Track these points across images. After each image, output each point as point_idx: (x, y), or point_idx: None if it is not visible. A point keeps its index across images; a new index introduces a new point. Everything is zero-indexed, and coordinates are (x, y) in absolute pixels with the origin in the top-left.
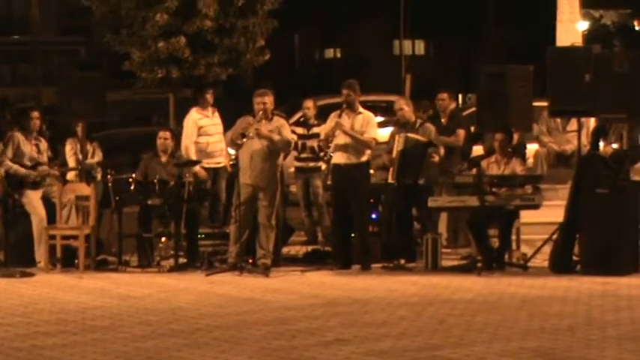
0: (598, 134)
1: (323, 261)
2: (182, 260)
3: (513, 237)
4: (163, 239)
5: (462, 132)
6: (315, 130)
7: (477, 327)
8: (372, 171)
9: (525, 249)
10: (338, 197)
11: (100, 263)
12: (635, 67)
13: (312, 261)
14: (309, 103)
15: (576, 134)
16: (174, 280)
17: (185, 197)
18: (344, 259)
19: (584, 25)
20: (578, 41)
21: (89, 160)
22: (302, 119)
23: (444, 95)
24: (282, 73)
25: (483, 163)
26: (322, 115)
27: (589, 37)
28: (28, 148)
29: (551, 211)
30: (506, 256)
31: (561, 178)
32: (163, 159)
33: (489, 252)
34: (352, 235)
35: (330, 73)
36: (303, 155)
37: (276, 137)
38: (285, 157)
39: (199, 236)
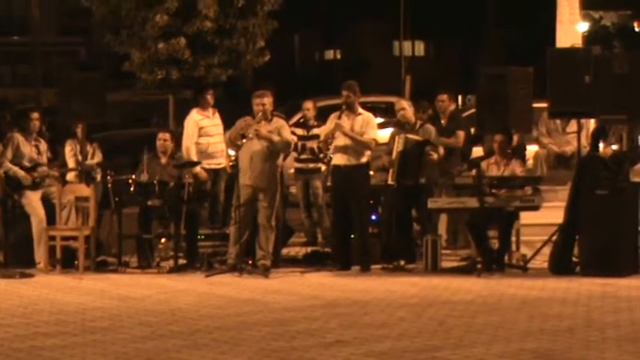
0: (598, 135)
1: (323, 262)
2: (182, 261)
3: (513, 238)
4: (163, 240)
5: (461, 133)
6: (315, 131)
7: (477, 328)
8: (371, 172)
9: (525, 250)
10: (338, 198)
11: (99, 264)
12: (635, 68)
13: (312, 262)
14: (308, 104)
15: (576, 135)
16: (173, 281)
17: (185, 198)
18: (344, 260)
19: (584, 27)
20: (578, 42)
21: (89, 161)
22: (302, 120)
23: (444, 96)
24: (282, 74)
25: (483, 165)
26: (322, 116)
27: (589, 38)
28: (27, 149)
29: (550, 212)
30: (506, 258)
31: (561, 179)
32: (163, 160)
33: (489, 253)
34: (352, 236)
35: (330, 74)
36: (303, 156)
37: (275, 138)
38: (285, 158)
39: (199, 237)
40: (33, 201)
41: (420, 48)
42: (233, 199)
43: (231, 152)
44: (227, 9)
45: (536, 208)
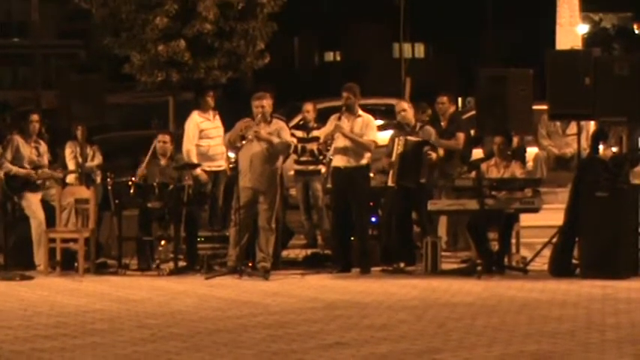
0: (598, 138)
1: (322, 264)
2: (182, 263)
3: (513, 240)
4: (163, 242)
5: (461, 135)
6: (315, 133)
7: (477, 330)
8: (371, 174)
9: (525, 252)
10: (338, 200)
11: (99, 266)
12: (635, 70)
13: (312, 264)
14: (308, 107)
15: (576, 138)
16: (173, 283)
17: (185, 200)
18: (343, 262)
19: (584, 29)
20: (578, 44)
21: (89, 164)
22: (301, 122)
23: (444, 99)
24: (281, 76)
25: (483, 167)
26: (322, 118)
27: (589, 40)
28: (27, 151)
29: (550, 214)
30: (506, 260)
31: (561, 181)
32: (163, 162)
33: (489, 255)
34: (352, 238)
35: (330, 77)
36: (303, 158)
37: (275, 140)
38: (284, 161)
39: (199, 239)
40: (33, 203)
41: (419, 50)
42: (233, 202)
43: (231, 154)
44: (227, 11)
45: (536, 210)
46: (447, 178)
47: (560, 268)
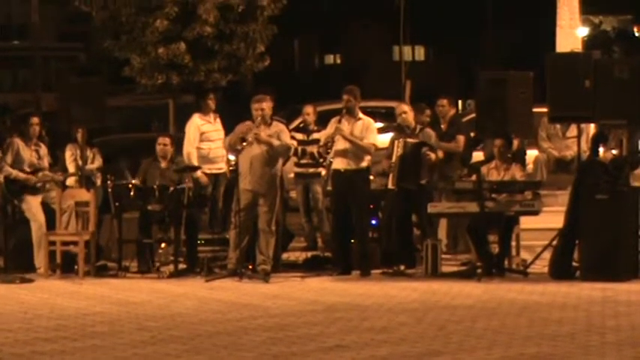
0: (598, 140)
1: (323, 267)
2: (182, 266)
3: (513, 243)
4: (163, 245)
5: (461, 138)
6: (315, 135)
7: (477, 333)
8: (371, 177)
9: (525, 255)
10: (338, 203)
11: (99, 269)
12: (635, 73)
13: (312, 267)
14: (308, 109)
15: (576, 140)
16: (173, 285)
17: (185, 203)
18: (344, 264)
19: (584, 31)
20: (578, 47)
21: (89, 166)
22: (302, 125)
23: (444, 101)
24: (281, 78)
25: (483, 169)
26: (322, 120)
27: (589, 42)
28: (27, 154)
29: (550, 217)
30: (506, 262)
31: (561, 184)
32: (163, 165)
33: (489, 258)
34: (352, 240)
35: (330, 79)
36: (303, 161)
37: (275, 142)
38: (284, 163)
39: (199, 242)
40: (33, 206)
41: (420, 53)
42: (233, 204)
43: (232, 157)
44: (227, 14)
45: (536, 212)
46: (447, 180)
47: (561, 270)
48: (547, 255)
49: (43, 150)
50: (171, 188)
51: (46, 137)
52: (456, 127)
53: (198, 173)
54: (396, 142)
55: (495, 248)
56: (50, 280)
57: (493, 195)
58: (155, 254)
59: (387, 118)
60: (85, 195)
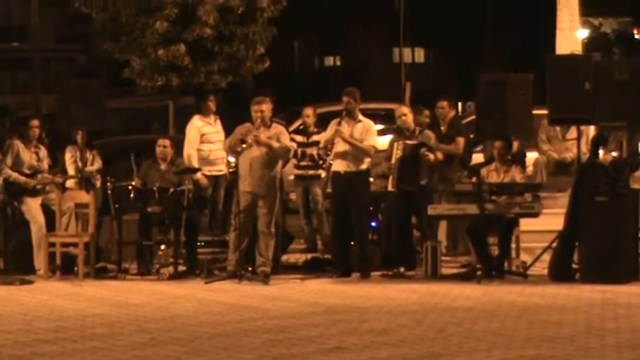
0: (598, 142)
1: (322, 269)
2: (181, 268)
3: (513, 245)
4: (163, 247)
5: (461, 140)
6: (315, 137)
7: (477, 335)
8: (371, 179)
9: (525, 257)
10: (338, 205)
11: (99, 271)
12: (635, 75)
13: (312, 269)
14: (308, 111)
15: (576, 142)
16: (173, 287)
17: (185, 205)
18: (343, 266)
19: (583, 33)
20: (578, 49)
21: (89, 168)
22: (301, 127)
23: (444, 103)
24: (281, 80)
25: (483, 171)
26: (322, 122)
27: (589, 45)
28: (27, 156)
29: (550, 219)
30: (506, 264)
31: (561, 186)
32: (163, 167)
33: (489, 260)
34: (352, 242)
35: (330, 81)
36: (303, 163)
37: (275, 144)
38: (284, 165)
39: (199, 244)
40: (33, 208)
41: (419, 55)
42: (232, 206)
43: (231, 159)
44: (227, 16)
45: (535, 214)
46: (447, 182)
47: (560, 272)
48: (547, 257)
49: (43, 152)
50: (172, 190)
51: (45, 139)
52: (455, 129)
53: (198, 175)
54: (395, 144)
55: (495, 250)
56: (50, 282)
57: (493, 197)
58: (155, 256)
59: (387, 120)
60: (84, 197)
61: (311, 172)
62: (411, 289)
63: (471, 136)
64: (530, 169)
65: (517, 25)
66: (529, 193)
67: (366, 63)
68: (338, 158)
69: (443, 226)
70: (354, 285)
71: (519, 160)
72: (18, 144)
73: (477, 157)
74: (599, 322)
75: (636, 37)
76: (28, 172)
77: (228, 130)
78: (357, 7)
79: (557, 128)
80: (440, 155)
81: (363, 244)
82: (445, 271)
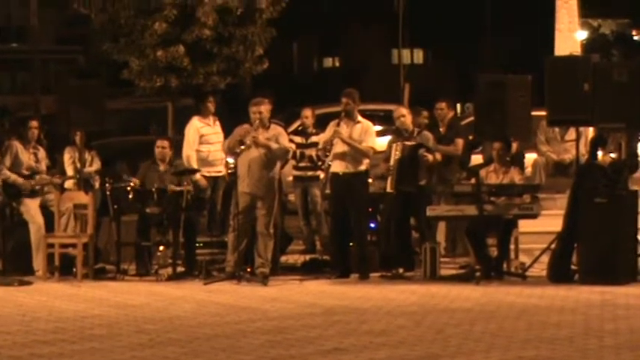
0: (596, 144)
1: (321, 270)
2: (180, 269)
3: (512, 246)
4: (161, 248)
5: (460, 141)
6: (314, 138)
7: (475, 336)
8: (370, 180)
9: (524, 258)
10: (336, 206)
11: (98, 272)
12: (634, 76)
13: (311, 270)
14: (307, 112)
15: (575, 143)
16: (172, 288)
17: (183, 206)
18: (342, 267)
19: (582, 35)
20: (577, 50)
21: (87, 169)
22: (300, 128)
23: (443, 104)
24: (280, 81)
25: (482, 172)
26: (320, 123)
27: (588, 46)
28: (26, 157)
29: (549, 220)
30: (505, 266)
31: (560, 187)
32: (161, 168)
33: (488, 261)
34: (350, 244)
35: (329, 82)
36: (302, 164)
37: (274, 145)
38: (283, 166)
39: (197, 245)
40: (31, 208)
41: (418, 56)
42: (231, 207)
43: (230, 160)
44: (226, 17)
45: (534, 216)
46: (445, 183)
47: (559, 274)
48: (545, 258)
49: (42, 153)
50: (173, 189)
51: (44, 140)
52: (454, 130)
53: (197, 176)
54: (393, 145)
55: (494, 251)
56: (48, 283)
57: (492, 198)
58: (153, 257)
59: (386, 121)
60: (83, 198)
61: (310, 173)
62: (410, 290)
63: (470, 137)
64: (529, 170)
65: (516, 26)
66: (528, 195)
67: (365, 64)
68: (337, 159)
69: (442, 227)
70: (353, 286)
71: (518, 162)
72: (17, 145)
73: (476, 159)
74: (597, 324)
75: (635, 38)
76: (26, 173)
77: (227, 131)
78: (355, 8)
79: (556, 129)
80: (438, 156)
81: (362, 245)
82: (444, 272)
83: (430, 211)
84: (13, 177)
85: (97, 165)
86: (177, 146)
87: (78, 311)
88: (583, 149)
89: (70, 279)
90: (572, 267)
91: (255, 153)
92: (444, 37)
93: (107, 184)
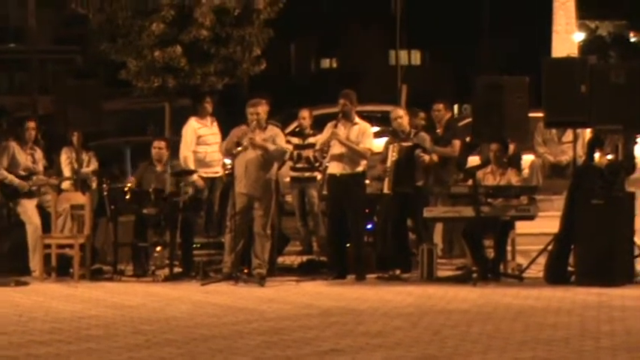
0: (593, 145)
1: (318, 271)
2: (177, 270)
3: (508, 247)
4: (158, 248)
5: (457, 142)
6: (311, 140)
7: (472, 338)
8: (367, 181)
9: (520, 260)
10: (333, 207)
11: (94, 272)
12: (631, 78)
13: (307, 271)
14: (304, 113)
15: (572, 145)
16: (169, 289)
17: (180, 206)
18: (339, 269)
19: (580, 36)
20: (574, 52)
21: (85, 169)
22: (297, 129)
23: (440, 106)
24: (278, 82)
25: (479, 174)
26: (318, 125)
27: (585, 48)
28: (23, 158)
29: (546, 221)
30: (502, 267)
31: (557, 188)
32: (158, 168)
33: (484, 262)
34: (347, 245)
35: (326, 83)
36: (299, 165)
37: (271, 147)
38: (280, 167)
39: (194, 246)
40: (28, 209)
41: (416, 57)
42: (228, 208)
43: (227, 161)
44: (223, 17)
45: (531, 217)
46: (442, 185)
47: (556, 275)
48: (542, 260)
49: (39, 154)
50: (167, 192)
51: (41, 140)
52: (451, 132)
53: (194, 177)
54: (390, 146)
55: (491, 253)
56: (45, 283)
57: (489, 199)
58: (150, 258)
59: (384, 122)
60: (80, 198)
61: (307, 174)
62: (407, 291)
63: (467, 138)
64: (526, 171)
65: (513, 27)
66: (525, 196)
67: (362, 65)
68: (334, 160)
69: (438, 228)
70: (350, 287)
71: (515, 163)
72: (14, 145)
73: (473, 160)
74: (594, 325)
75: (632, 40)
76: (23, 173)
77: (224, 132)
78: (353, 9)
79: (554, 131)
80: (435, 157)
81: (359, 247)
82: (441, 273)
83: (427, 213)
84: (10, 177)
85: (94, 165)
86: (174, 147)
87: (75, 312)
88: (580, 151)
89: (66, 279)
90: (569, 268)
91: (252, 154)
92: (442, 39)
93: (104, 185)
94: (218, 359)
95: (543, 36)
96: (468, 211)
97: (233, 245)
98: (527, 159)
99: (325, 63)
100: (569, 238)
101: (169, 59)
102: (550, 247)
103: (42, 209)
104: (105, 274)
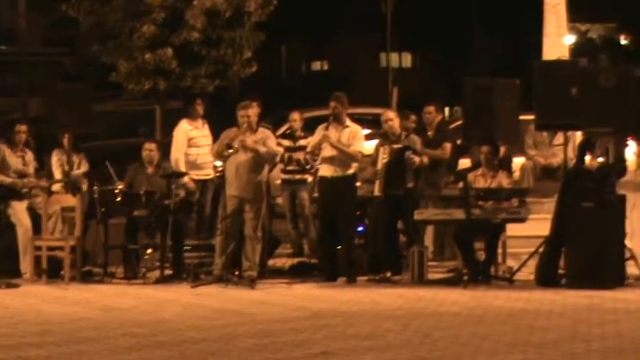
0: (584, 148)
1: (309, 273)
2: (168, 272)
3: (499, 250)
4: (149, 251)
5: (448, 145)
6: (302, 142)
7: (463, 340)
8: (358, 183)
9: (511, 262)
10: (324, 209)
11: (85, 274)
12: (621, 81)
13: (298, 273)
14: (295, 116)
15: (562, 148)
16: (159, 291)
17: (171, 209)
18: (330, 271)
19: (570, 39)
20: (565, 55)
21: (75, 172)
22: (288, 131)
23: (431, 108)
24: (268, 85)
25: (470, 176)
26: (309, 127)
27: (575, 50)
28: (13, 161)
29: (537, 224)
30: (492, 270)
31: (547, 191)
32: (149, 170)
33: (475, 265)
34: (338, 247)
35: (317, 86)
36: (290, 167)
37: (261, 149)
38: (271, 170)
39: (185, 248)
40: (19, 211)
41: (407, 59)
42: (219, 210)
43: (218, 163)
44: (214, 20)
45: (522, 220)
46: (433, 187)
47: (547, 278)
48: (533, 262)
49: (29, 156)
50: (158, 194)
51: (32, 142)
52: (442, 134)
53: (186, 179)
54: (381, 149)
55: (482, 255)
56: (36, 286)
57: (479, 202)
58: (141, 260)
59: (374, 124)
60: (71, 200)
61: (298, 176)
62: (397, 293)
63: (458, 141)
64: (516, 174)
65: (504, 30)
66: (516, 199)
67: (353, 68)
68: (325, 163)
69: (429, 230)
70: (341, 289)
71: (506, 166)
72: (4, 148)
73: (464, 162)
74: (585, 328)
75: (622, 43)
76: (14, 176)
77: (215, 134)
78: (344, 12)
79: (544, 133)
80: (425, 159)
81: (350, 249)
82: (431, 275)
83: (418, 215)
84: (1, 178)
85: (84, 167)
86: (165, 149)
87: (65, 314)
88: (571, 153)
89: (57, 282)
90: (560, 271)
91: (243, 156)
92: (433, 41)
93: (95, 187)
94: None
95: (534, 39)
96: (458, 214)
97: (224, 247)
98: (518, 161)
99: (316, 65)
100: (560, 241)
101: (160, 61)
102: (541, 250)
103: (32, 211)
104: (95, 276)
